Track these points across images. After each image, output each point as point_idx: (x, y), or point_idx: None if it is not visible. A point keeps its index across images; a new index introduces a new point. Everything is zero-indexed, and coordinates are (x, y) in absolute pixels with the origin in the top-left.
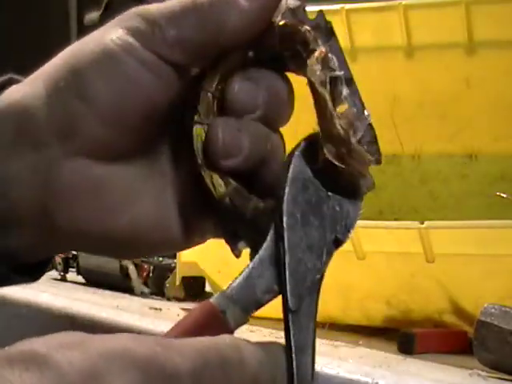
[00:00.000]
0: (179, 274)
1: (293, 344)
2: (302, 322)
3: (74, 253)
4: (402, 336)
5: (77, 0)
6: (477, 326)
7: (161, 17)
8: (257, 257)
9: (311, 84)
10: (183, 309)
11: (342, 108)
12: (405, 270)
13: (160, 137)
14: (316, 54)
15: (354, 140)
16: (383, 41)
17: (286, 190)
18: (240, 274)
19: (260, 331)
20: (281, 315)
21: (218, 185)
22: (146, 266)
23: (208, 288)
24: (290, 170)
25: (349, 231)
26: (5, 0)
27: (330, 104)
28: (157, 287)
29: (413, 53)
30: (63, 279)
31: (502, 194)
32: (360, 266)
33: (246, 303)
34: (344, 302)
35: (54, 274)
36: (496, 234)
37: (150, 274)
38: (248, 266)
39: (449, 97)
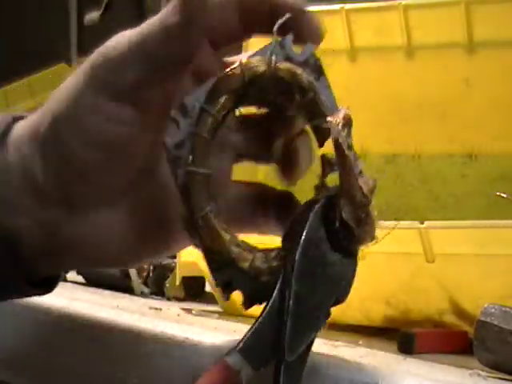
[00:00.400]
0: (179, 274)
1: None
2: (292, 373)
3: None
4: (402, 336)
5: (77, 0)
6: (477, 326)
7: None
8: (265, 312)
9: (337, 146)
10: (183, 309)
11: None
12: (405, 270)
13: (139, 176)
14: (341, 115)
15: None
16: (383, 41)
17: (300, 247)
18: (251, 330)
19: None
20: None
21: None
22: (145, 266)
23: (208, 288)
24: (307, 227)
25: (348, 292)
26: (5, 0)
27: (354, 168)
28: (157, 287)
29: (413, 53)
30: (63, 279)
31: (502, 194)
32: (360, 266)
33: (257, 361)
34: (344, 302)
35: None
36: (496, 234)
37: (150, 274)
38: (257, 320)
39: (449, 97)
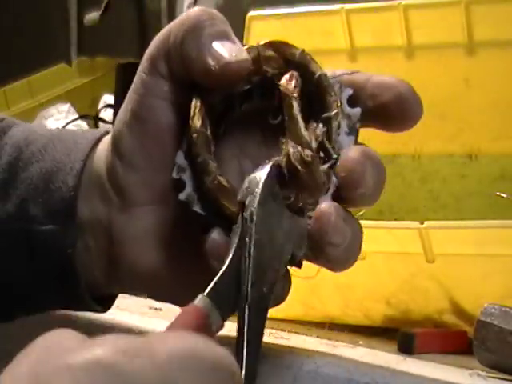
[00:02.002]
0: None
1: (245, 337)
2: (255, 318)
3: None
4: (402, 336)
5: (77, 0)
6: (477, 326)
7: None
8: (228, 260)
9: (283, 94)
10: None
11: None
12: (405, 270)
13: None
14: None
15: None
16: (383, 41)
17: (257, 197)
18: (219, 277)
19: None
20: (280, 315)
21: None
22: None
23: None
24: (262, 180)
25: (304, 248)
26: (5, 0)
27: (298, 115)
28: None
29: (413, 53)
30: None
31: (502, 194)
32: (360, 266)
33: (223, 308)
34: (344, 301)
35: None
36: (496, 234)
37: None
38: (221, 268)
39: (449, 97)
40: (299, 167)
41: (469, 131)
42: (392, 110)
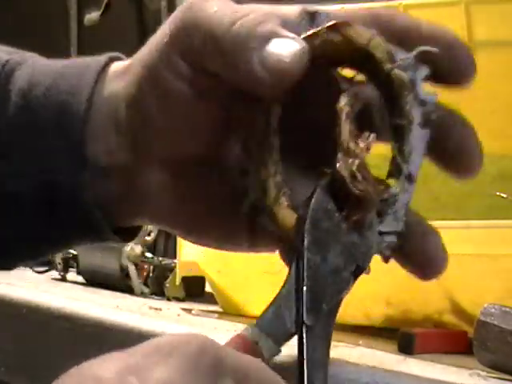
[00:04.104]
0: (179, 274)
1: (305, 359)
2: (316, 340)
3: (74, 253)
4: (402, 336)
5: (77, 0)
6: (477, 326)
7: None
8: (283, 288)
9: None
10: (183, 309)
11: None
12: (405, 270)
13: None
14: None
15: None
16: None
17: (308, 218)
18: (269, 306)
19: None
20: None
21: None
22: (146, 266)
23: (208, 288)
24: (313, 199)
25: (368, 260)
26: (5, 0)
27: (348, 121)
28: (157, 287)
29: None
30: (63, 279)
31: (502, 194)
32: None
33: (277, 335)
34: (344, 301)
35: (53, 274)
36: (496, 234)
37: (150, 274)
38: (277, 296)
39: (449, 97)
40: (346, 178)
41: None
42: (441, 61)
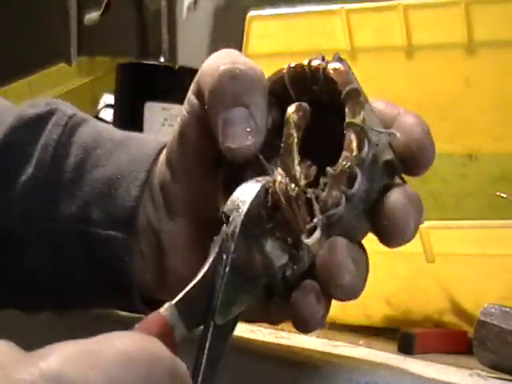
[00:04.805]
0: None
1: (205, 354)
2: (218, 339)
3: None
4: (402, 336)
5: (77, 0)
6: (477, 326)
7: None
8: (202, 273)
9: (286, 121)
10: None
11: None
12: (405, 270)
13: None
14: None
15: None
16: (383, 41)
17: (242, 217)
18: (191, 287)
19: (260, 331)
20: None
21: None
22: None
23: None
24: (250, 201)
25: (278, 279)
26: (5, 0)
27: (294, 150)
28: None
29: (413, 53)
30: None
31: (502, 194)
32: None
33: (190, 320)
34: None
35: None
36: (496, 234)
37: None
38: (194, 280)
39: (449, 97)
40: (282, 199)
41: (469, 131)
42: (404, 154)
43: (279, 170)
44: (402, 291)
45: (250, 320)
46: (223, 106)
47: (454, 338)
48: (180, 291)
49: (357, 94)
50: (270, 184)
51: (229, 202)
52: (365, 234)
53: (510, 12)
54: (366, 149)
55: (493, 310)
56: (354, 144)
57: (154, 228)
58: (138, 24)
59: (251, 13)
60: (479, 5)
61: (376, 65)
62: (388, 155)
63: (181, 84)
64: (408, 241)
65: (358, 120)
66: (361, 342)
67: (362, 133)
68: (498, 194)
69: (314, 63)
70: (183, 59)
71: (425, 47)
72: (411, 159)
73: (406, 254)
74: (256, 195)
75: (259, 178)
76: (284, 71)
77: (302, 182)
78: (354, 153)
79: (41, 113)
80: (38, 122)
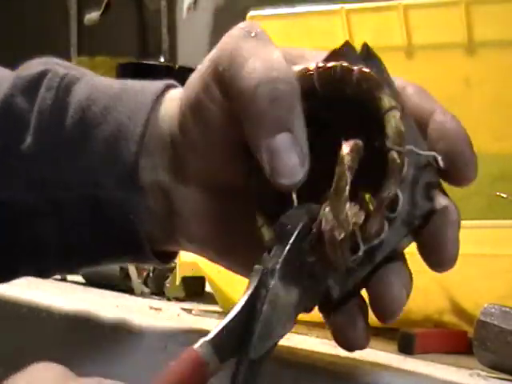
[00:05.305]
0: (179, 274)
1: None
2: (252, 374)
3: None
4: (402, 336)
5: (77, 0)
6: (477, 326)
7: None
8: (239, 307)
9: (340, 161)
10: (183, 309)
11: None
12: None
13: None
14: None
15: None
16: (383, 41)
17: (286, 251)
18: (226, 321)
19: None
20: None
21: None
22: (146, 266)
23: (208, 288)
24: (294, 235)
25: (315, 304)
26: (5, 0)
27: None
28: (157, 287)
29: (413, 53)
30: (63, 279)
31: (502, 194)
32: None
33: (223, 354)
34: None
35: None
36: (496, 234)
37: (150, 274)
38: (230, 314)
39: (449, 97)
40: (326, 242)
41: (469, 131)
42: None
43: (328, 211)
44: None
45: None
46: (265, 131)
47: (454, 338)
48: (188, 247)
49: (395, 109)
50: (317, 222)
51: (275, 228)
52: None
53: (510, 12)
54: (405, 169)
55: (493, 310)
56: (398, 167)
57: (163, 186)
58: (138, 24)
59: (251, 13)
60: (479, 5)
61: None
62: (429, 176)
63: (181, 84)
64: (452, 266)
65: (395, 139)
66: None
67: (401, 154)
68: (498, 193)
69: (344, 66)
70: (183, 59)
71: (425, 47)
72: (454, 173)
73: (406, 254)
74: (302, 228)
75: (303, 206)
76: (312, 72)
77: (351, 228)
78: (398, 175)
79: (33, 77)
80: (32, 87)
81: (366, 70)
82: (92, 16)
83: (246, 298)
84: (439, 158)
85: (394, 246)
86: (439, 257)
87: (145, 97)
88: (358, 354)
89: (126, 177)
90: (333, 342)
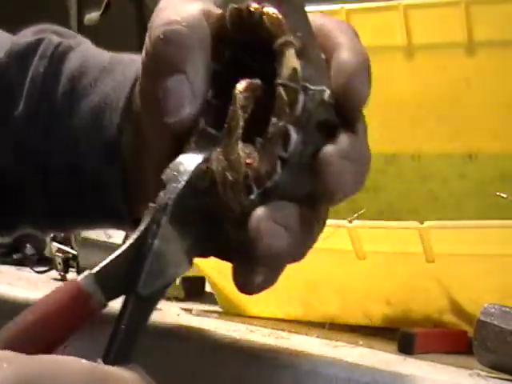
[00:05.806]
0: None
1: (124, 326)
2: (139, 312)
3: (74, 253)
4: (402, 336)
5: (77, 0)
6: (477, 326)
7: None
8: (128, 242)
9: (233, 99)
10: (183, 309)
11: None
12: (405, 270)
13: None
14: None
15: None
16: (383, 41)
17: (179, 188)
18: (113, 257)
19: (260, 331)
20: (280, 315)
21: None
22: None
23: (208, 288)
24: (189, 175)
25: (208, 247)
26: (4, 0)
27: (238, 130)
28: None
29: (413, 53)
30: (63, 279)
31: (502, 194)
32: (360, 266)
33: (109, 290)
34: (344, 301)
35: (53, 274)
36: (496, 234)
37: None
38: (119, 249)
39: (448, 97)
40: (219, 185)
41: (469, 131)
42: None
43: (220, 153)
44: (401, 291)
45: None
46: (159, 72)
47: (454, 338)
48: None
49: (290, 45)
50: (209, 165)
51: (168, 170)
52: (312, 194)
53: (510, 12)
54: (299, 107)
55: (493, 310)
56: (286, 103)
57: (134, 153)
58: (138, 24)
59: None
60: (479, 5)
61: (376, 65)
62: (324, 113)
63: None
64: (347, 196)
65: (288, 75)
66: (361, 342)
67: (292, 90)
68: (497, 193)
69: (253, 6)
70: None
71: (425, 47)
72: (345, 111)
73: (406, 254)
74: (195, 168)
75: (201, 150)
76: (226, 13)
77: (243, 170)
78: (287, 111)
79: (28, 44)
80: (26, 54)
81: (268, 9)
82: (92, 16)
83: (137, 233)
84: (326, 94)
85: (291, 189)
86: (328, 186)
87: (130, 70)
88: (357, 354)
89: (108, 148)
90: (333, 342)
